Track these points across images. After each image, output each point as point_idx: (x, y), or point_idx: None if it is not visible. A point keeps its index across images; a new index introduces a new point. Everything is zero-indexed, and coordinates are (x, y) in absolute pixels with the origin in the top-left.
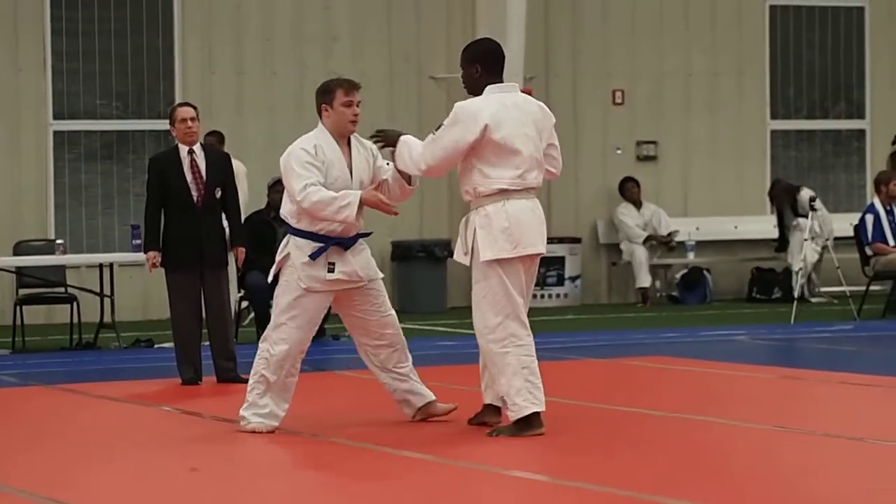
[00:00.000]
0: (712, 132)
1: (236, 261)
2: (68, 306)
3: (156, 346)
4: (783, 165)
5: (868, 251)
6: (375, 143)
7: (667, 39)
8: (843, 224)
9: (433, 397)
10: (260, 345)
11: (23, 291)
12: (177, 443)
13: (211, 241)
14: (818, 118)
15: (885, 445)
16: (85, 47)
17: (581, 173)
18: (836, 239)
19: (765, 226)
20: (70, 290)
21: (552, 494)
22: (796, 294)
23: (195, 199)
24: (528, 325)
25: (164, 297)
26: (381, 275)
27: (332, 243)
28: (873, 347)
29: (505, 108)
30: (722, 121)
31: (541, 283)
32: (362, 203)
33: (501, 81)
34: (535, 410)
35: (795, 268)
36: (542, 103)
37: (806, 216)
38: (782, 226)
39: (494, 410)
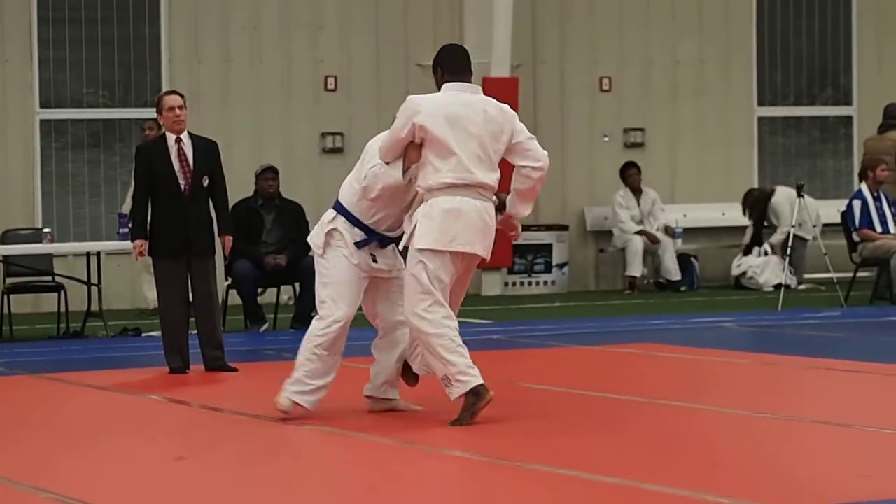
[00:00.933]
0: (699, 119)
1: (223, 249)
2: (55, 295)
3: (143, 334)
4: (770, 152)
5: (855, 237)
6: None
7: (654, 26)
8: (831, 210)
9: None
10: (315, 322)
11: (10, 280)
12: (164, 431)
13: (198, 229)
14: (805, 105)
15: (873, 432)
16: (71, 35)
17: (568, 160)
18: (824, 225)
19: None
20: (57, 278)
21: (539, 481)
22: (783, 282)
23: (182, 187)
24: (453, 315)
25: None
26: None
27: (376, 238)
28: (861, 334)
29: (451, 106)
30: (709, 107)
31: (528, 270)
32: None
33: (463, 81)
34: (479, 383)
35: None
36: (503, 105)
37: (773, 226)
38: (759, 233)
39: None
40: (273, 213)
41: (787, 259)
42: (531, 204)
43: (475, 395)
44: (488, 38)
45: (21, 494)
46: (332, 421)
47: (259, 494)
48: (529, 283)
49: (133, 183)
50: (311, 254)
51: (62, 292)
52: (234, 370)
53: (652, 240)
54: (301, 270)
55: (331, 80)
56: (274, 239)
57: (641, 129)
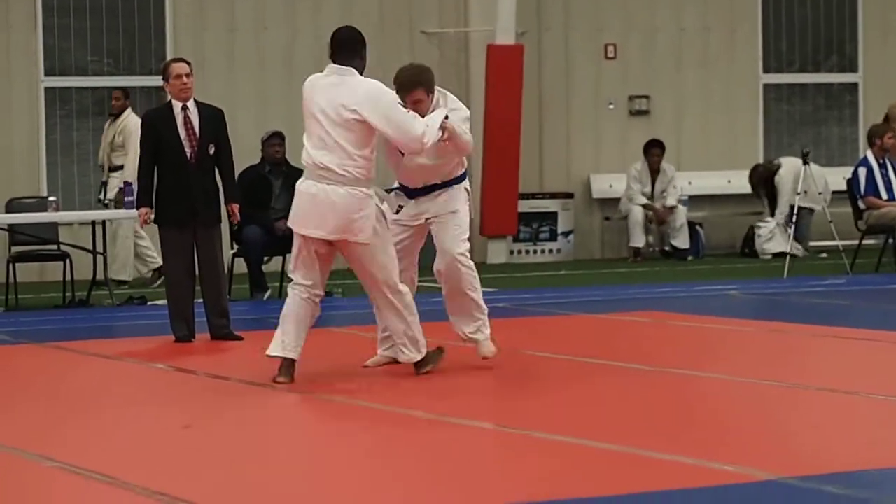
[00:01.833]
0: (705, 86)
1: (230, 217)
2: (61, 264)
3: (149, 303)
4: (776, 119)
5: (861, 205)
6: None
7: None
8: (836, 178)
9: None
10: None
11: (15, 249)
12: (170, 400)
13: (204, 197)
14: (811, 72)
15: (880, 399)
16: (76, 3)
17: (573, 128)
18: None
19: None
20: (63, 247)
21: (544, 448)
22: (788, 249)
23: (188, 155)
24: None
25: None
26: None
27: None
28: (866, 301)
29: (313, 89)
30: (714, 75)
31: (533, 238)
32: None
33: (338, 63)
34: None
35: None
36: (375, 83)
37: (775, 198)
38: (773, 205)
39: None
40: (281, 179)
41: (793, 228)
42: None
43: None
44: (493, 5)
45: (26, 462)
46: (338, 390)
47: (265, 462)
48: (535, 252)
49: (138, 150)
50: None
51: (67, 261)
52: (240, 339)
53: (659, 219)
54: None
55: None
56: (282, 205)
57: (647, 97)
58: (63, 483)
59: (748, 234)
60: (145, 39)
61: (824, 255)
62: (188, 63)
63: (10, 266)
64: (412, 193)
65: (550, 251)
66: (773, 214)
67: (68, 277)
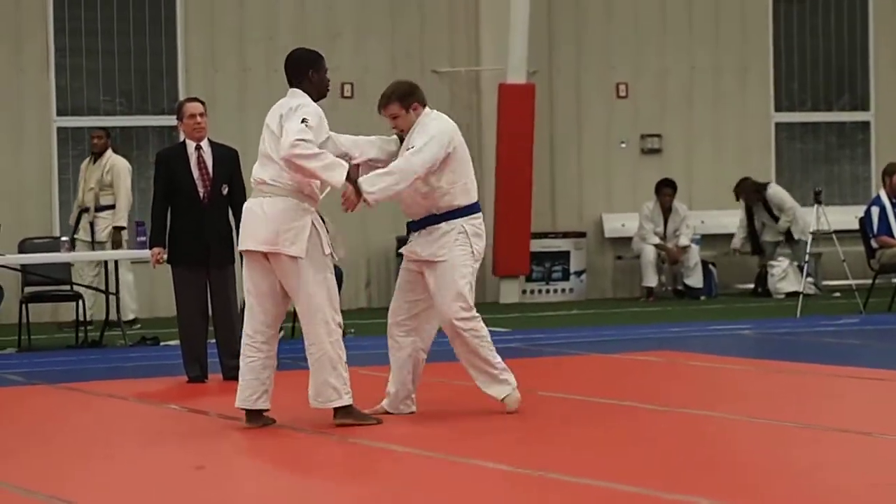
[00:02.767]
0: (717, 125)
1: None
2: (74, 304)
3: (161, 343)
4: (788, 158)
5: (873, 244)
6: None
7: (670, 33)
8: (849, 217)
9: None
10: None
11: (28, 289)
12: (183, 441)
13: (217, 238)
14: (822, 110)
15: (894, 440)
16: (88, 44)
17: (585, 167)
18: (841, 232)
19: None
20: (75, 287)
21: (559, 490)
22: (802, 289)
23: (201, 195)
24: (257, 329)
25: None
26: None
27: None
28: (880, 341)
29: (270, 111)
30: (726, 114)
31: (546, 277)
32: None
33: (291, 86)
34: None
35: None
36: (297, 102)
37: (775, 215)
38: (752, 225)
39: None
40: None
41: (806, 266)
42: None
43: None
44: (504, 44)
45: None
46: (355, 432)
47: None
48: (547, 291)
49: (153, 189)
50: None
51: (80, 301)
52: None
53: (672, 259)
54: None
55: (347, 88)
56: None
57: (658, 136)
58: None
59: (761, 274)
60: (157, 79)
61: (837, 294)
62: (202, 103)
63: (23, 306)
64: (410, 226)
65: (563, 290)
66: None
67: (81, 318)
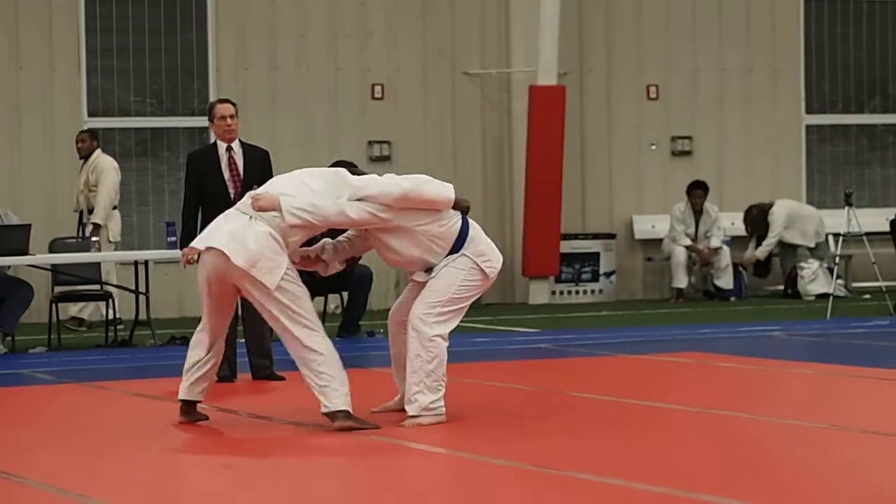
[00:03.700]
0: (747, 127)
1: None
2: (104, 304)
3: None
4: (818, 160)
5: None
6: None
7: (700, 35)
8: (879, 219)
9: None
10: (438, 340)
11: (58, 289)
12: (212, 440)
13: None
14: (853, 113)
15: None
16: (119, 44)
17: (615, 169)
18: (871, 234)
19: (810, 210)
20: (105, 287)
21: (589, 491)
22: (832, 290)
23: (232, 196)
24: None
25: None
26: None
27: None
28: None
29: None
30: (757, 116)
31: (575, 279)
32: None
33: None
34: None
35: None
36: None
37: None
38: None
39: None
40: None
41: (836, 268)
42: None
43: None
44: (535, 46)
45: (68, 502)
46: (378, 430)
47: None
48: (577, 292)
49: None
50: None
51: (110, 301)
52: (282, 379)
53: (703, 261)
54: (351, 279)
55: (378, 89)
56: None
57: (689, 138)
58: None
59: (791, 276)
60: (188, 80)
61: (867, 296)
62: (234, 104)
63: (53, 306)
64: None
65: (592, 292)
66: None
67: (111, 317)
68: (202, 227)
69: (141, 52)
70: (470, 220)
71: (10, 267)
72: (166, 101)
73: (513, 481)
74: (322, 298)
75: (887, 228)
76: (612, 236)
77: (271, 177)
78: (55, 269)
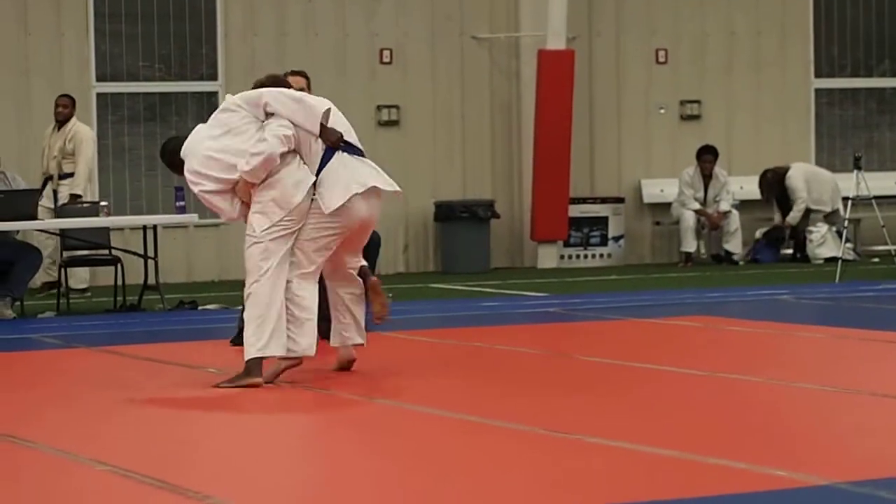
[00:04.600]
0: (756, 91)
1: None
2: (112, 268)
3: (200, 307)
4: (827, 124)
5: None
6: None
7: None
8: (888, 182)
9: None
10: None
11: (67, 254)
12: (221, 404)
13: None
14: (863, 76)
15: None
16: (128, 9)
17: (624, 133)
18: (880, 197)
19: (827, 174)
20: (114, 252)
21: (599, 454)
22: (841, 254)
23: None
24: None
25: (208, 259)
26: None
27: None
28: None
29: None
30: (766, 79)
31: (584, 243)
32: None
33: None
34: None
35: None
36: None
37: (787, 204)
38: (784, 212)
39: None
40: None
41: (845, 232)
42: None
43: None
44: (543, 10)
45: (77, 465)
46: (387, 393)
47: (319, 468)
48: (585, 256)
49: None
50: None
51: (119, 265)
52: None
53: (712, 225)
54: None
55: (386, 54)
56: None
57: (698, 102)
58: (114, 487)
59: (800, 239)
60: (196, 45)
61: (876, 259)
62: (307, 78)
63: (62, 270)
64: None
65: (601, 256)
66: (784, 218)
67: (119, 282)
68: None
69: (150, 17)
70: (336, 154)
71: (18, 232)
72: (175, 66)
73: (522, 444)
74: None
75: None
76: (620, 200)
77: None
78: (64, 233)
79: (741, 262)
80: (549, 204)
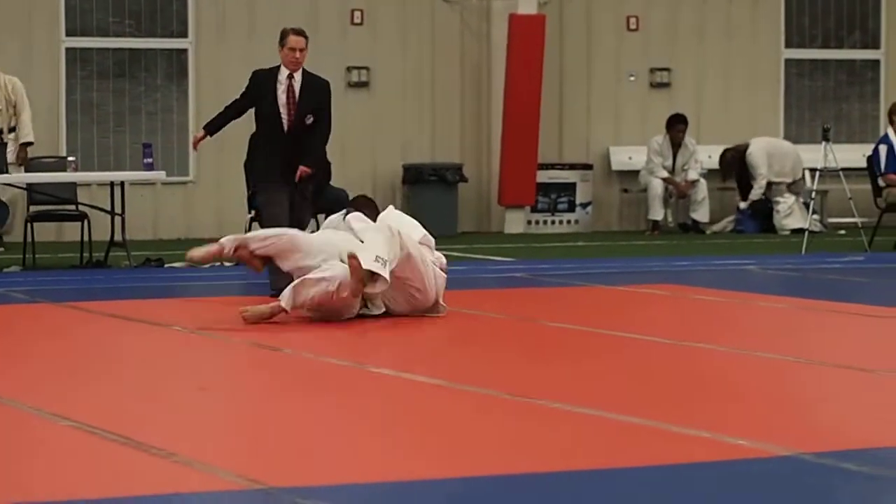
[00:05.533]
0: (726, 60)
1: (299, 177)
2: (79, 224)
3: (166, 265)
4: (797, 94)
5: (880, 182)
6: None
7: None
8: (856, 155)
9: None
10: None
11: (33, 208)
12: (186, 361)
13: (294, 165)
14: (833, 48)
15: (895, 376)
16: None
17: (593, 99)
18: (848, 170)
19: (787, 146)
20: (81, 207)
21: (562, 419)
22: (807, 225)
23: (284, 122)
24: None
25: (175, 217)
26: None
27: None
28: (884, 279)
29: None
30: (736, 48)
31: (551, 209)
32: None
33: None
34: None
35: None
36: None
37: (748, 182)
38: (745, 191)
39: None
40: None
41: (812, 203)
42: None
43: None
44: None
45: (40, 420)
46: (354, 356)
47: (281, 426)
48: (552, 222)
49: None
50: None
51: (86, 221)
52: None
53: (680, 193)
54: (325, 201)
55: (357, 14)
56: None
57: (668, 70)
58: (78, 442)
59: (767, 210)
60: (167, 1)
61: (843, 231)
62: (306, 37)
63: (29, 225)
64: None
65: (568, 222)
66: (744, 197)
67: (86, 238)
68: (257, 147)
69: None
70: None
71: None
72: (145, 21)
73: (485, 408)
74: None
75: (864, 164)
76: (588, 167)
77: (329, 108)
78: (31, 188)
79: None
80: (517, 169)
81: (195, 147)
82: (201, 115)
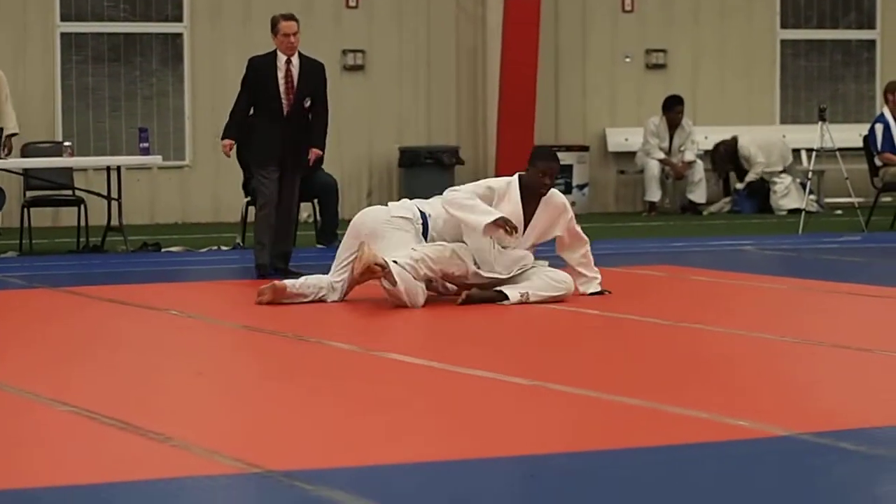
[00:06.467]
0: (722, 41)
1: (307, 161)
2: (75, 209)
3: (163, 249)
4: (793, 75)
5: (877, 162)
6: None
7: None
8: (853, 134)
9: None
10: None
11: (30, 194)
12: (184, 347)
13: (293, 148)
14: (828, 28)
15: (894, 357)
16: None
17: (589, 81)
18: (844, 149)
19: (774, 136)
20: (77, 192)
21: (559, 400)
22: (804, 206)
23: (284, 105)
24: None
25: (172, 201)
26: None
27: None
28: (881, 259)
29: None
30: (732, 29)
31: None
32: None
33: None
34: None
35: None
36: None
37: (742, 172)
38: (728, 187)
39: None
40: None
41: (808, 184)
42: None
43: None
44: None
45: (39, 405)
46: (354, 339)
47: (279, 411)
48: None
49: (240, 88)
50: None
51: (82, 206)
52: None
53: (677, 174)
54: (314, 187)
55: None
56: None
57: (664, 51)
58: (76, 427)
59: (763, 190)
60: None
61: (839, 211)
62: (297, 21)
63: (25, 210)
64: None
65: None
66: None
67: (83, 223)
68: (255, 131)
69: None
70: None
71: None
72: (140, 6)
73: (484, 391)
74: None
75: (860, 144)
76: (585, 149)
77: (325, 89)
78: (27, 173)
79: (723, 212)
80: (513, 151)
81: (228, 155)
82: (197, 98)
